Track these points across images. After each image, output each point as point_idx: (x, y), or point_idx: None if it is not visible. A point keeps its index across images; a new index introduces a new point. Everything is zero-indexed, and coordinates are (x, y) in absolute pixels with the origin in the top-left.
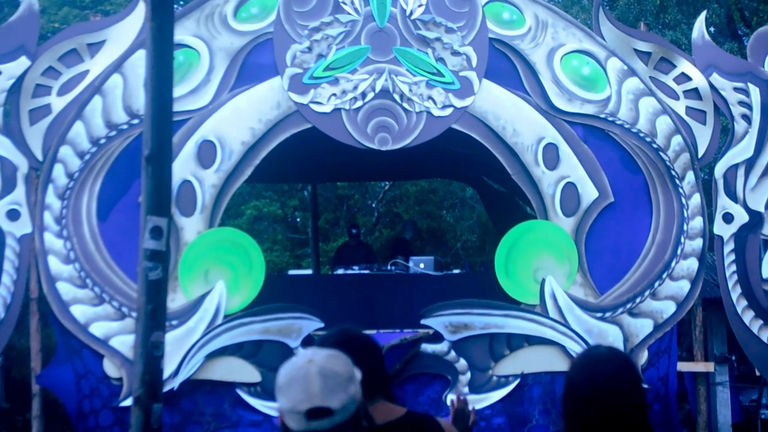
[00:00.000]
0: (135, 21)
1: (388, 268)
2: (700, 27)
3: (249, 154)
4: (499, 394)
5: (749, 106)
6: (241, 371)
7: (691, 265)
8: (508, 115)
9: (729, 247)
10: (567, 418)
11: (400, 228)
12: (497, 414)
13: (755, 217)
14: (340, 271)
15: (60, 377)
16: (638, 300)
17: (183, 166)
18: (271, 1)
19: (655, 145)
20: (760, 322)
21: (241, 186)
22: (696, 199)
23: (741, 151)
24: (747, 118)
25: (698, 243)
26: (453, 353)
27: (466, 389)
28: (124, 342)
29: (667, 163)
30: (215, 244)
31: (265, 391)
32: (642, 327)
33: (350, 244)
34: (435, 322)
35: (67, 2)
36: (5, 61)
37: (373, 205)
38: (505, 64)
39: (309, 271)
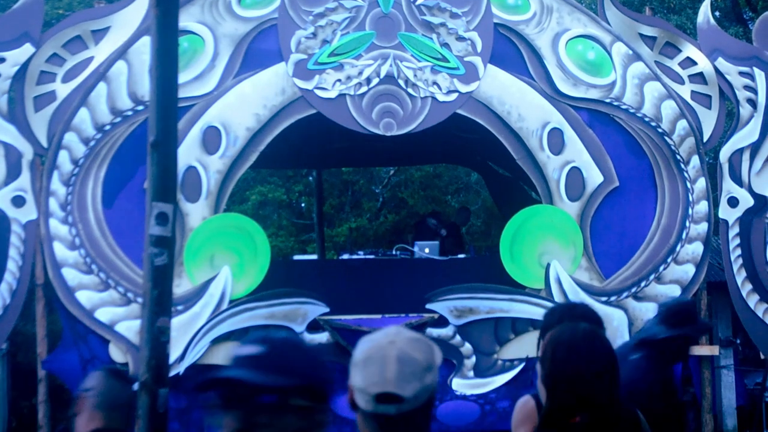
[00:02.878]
0: (139, 7)
1: (394, 252)
2: (705, 11)
3: (254, 139)
4: (504, 378)
5: (754, 91)
6: None
7: (696, 249)
8: (513, 100)
9: (734, 231)
10: (551, 395)
11: (455, 214)
12: (502, 398)
13: (760, 201)
14: (345, 256)
15: (66, 363)
16: (643, 284)
17: (188, 152)
18: None
19: (660, 130)
20: (765, 305)
21: (246, 172)
22: (701, 184)
23: (746, 135)
24: (752, 103)
25: (703, 227)
26: (458, 337)
27: (471, 373)
28: (130, 327)
29: (672, 147)
30: (220, 230)
31: None
32: (647, 311)
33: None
34: (440, 307)
35: None
36: (10, 48)
37: (378, 191)
38: (510, 49)
39: (314, 257)
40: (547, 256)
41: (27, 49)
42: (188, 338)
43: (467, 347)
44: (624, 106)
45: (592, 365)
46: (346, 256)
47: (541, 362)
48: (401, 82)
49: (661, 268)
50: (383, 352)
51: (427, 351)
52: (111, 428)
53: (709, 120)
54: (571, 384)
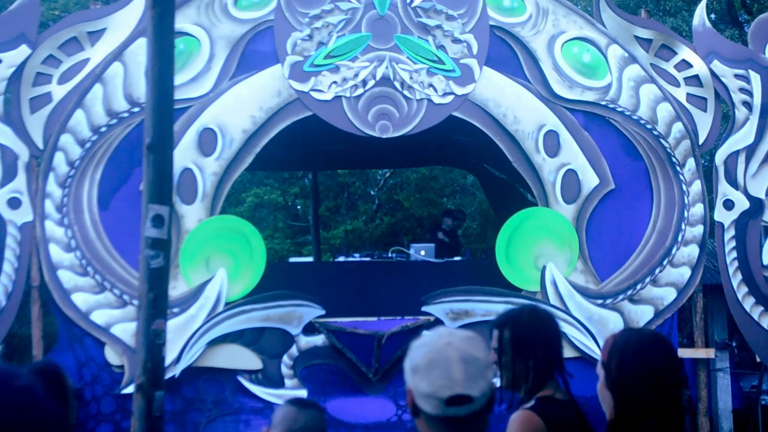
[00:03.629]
0: (135, 9)
1: (389, 255)
2: (700, 14)
3: (250, 141)
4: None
5: (750, 93)
6: (242, 358)
7: (692, 251)
8: (509, 102)
9: (730, 233)
10: (622, 400)
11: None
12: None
13: (756, 204)
14: (341, 259)
15: (61, 365)
16: (639, 287)
17: (184, 154)
18: None
19: (655, 132)
20: (761, 308)
21: (241, 174)
22: (697, 186)
23: (742, 137)
24: (748, 105)
25: (699, 230)
26: None
27: None
28: (126, 330)
29: (668, 150)
30: (216, 232)
31: (266, 378)
32: (643, 314)
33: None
34: (436, 309)
35: None
36: (6, 50)
37: (374, 193)
38: (505, 52)
39: (310, 259)
40: (543, 258)
41: (23, 50)
42: (184, 341)
43: None
44: (620, 109)
45: (664, 369)
46: (342, 259)
47: (607, 368)
48: (397, 84)
49: (657, 270)
50: (444, 355)
51: (484, 348)
52: None
53: (704, 122)
54: (643, 389)
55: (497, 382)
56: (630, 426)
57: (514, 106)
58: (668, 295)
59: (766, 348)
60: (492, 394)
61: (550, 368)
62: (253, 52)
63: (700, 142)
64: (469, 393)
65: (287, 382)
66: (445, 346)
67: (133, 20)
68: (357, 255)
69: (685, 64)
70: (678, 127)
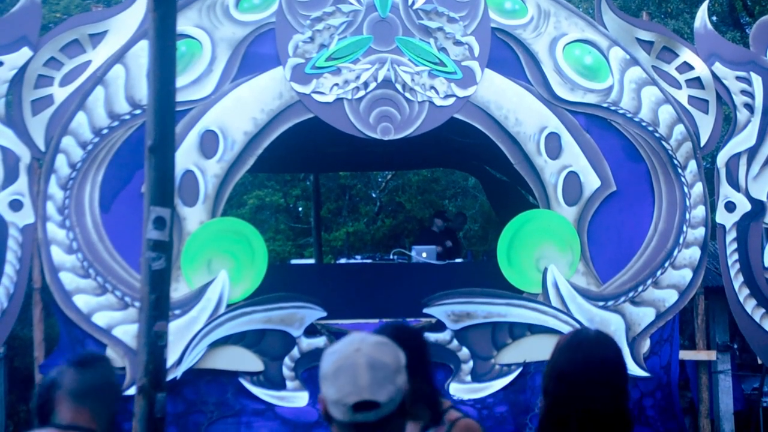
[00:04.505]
0: (137, 11)
1: (391, 257)
2: (702, 16)
3: (251, 144)
4: (502, 382)
5: (751, 95)
6: (243, 360)
7: (693, 253)
8: (511, 104)
9: (731, 235)
10: (552, 403)
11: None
12: (499, 403)
13: (757, 206)
14: (343, 261)
15: None
16: (640, 289)
17: (185, 156)
18: None
19: (657, 134)
20: (762, 310)
21: (243, 176)
22: (698, 188)
23: (743, 140)
24: (749, 107)
25: (700, 232)
26: (455, 342)
27: (468, 378)
28: (127, 331)
29: (670, 152)
30: (218, 234)
31: (268, 379)
32: (644, 316)
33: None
34: (437, 311)
35: None
36: (7, 52)
37: (375, 195)
38: (507, 54)
39: (311, 261)
40: (545, 260)
41: (24, 52)
42: (185, 342)
43: (464, 352)
44: (621, 111)
45: (591, 370)
46: (343, 261)
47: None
48: (399, 87)
49: (659, 272)
50: (352, 361)
51: (394, 353)
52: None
53: (706, 124)
54: (566, 387)
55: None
56: (554, 426)
57: (515, 108)
58: (670, 297)
59: (767, 350)
60: (403, 399)
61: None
62: (254, 55)
63: (702, 144)
64: (375, 399)
65: (289, 384)
66: (354, 353)
67: (134, 22)
68: (358, 257)
69: (687, 66)
70: (679, 129)
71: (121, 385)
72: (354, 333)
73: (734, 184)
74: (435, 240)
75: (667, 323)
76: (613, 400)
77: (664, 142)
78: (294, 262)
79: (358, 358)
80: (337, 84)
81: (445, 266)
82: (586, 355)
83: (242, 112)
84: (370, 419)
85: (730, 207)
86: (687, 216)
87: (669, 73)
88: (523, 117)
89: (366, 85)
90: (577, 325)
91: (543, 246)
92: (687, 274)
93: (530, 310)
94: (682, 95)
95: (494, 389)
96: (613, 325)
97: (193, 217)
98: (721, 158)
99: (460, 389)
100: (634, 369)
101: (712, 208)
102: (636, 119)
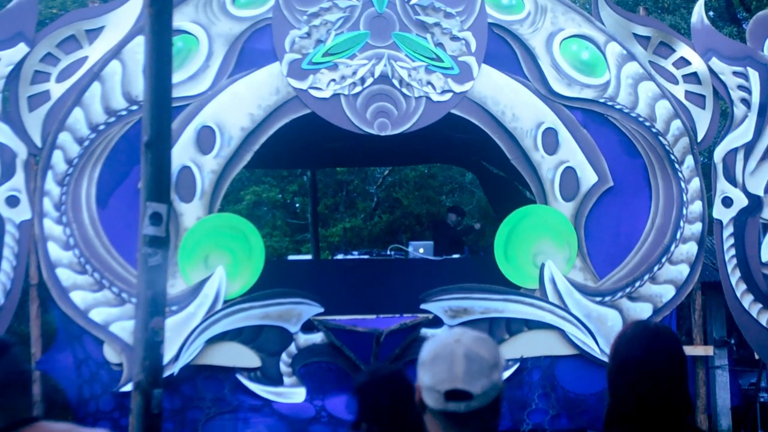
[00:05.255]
0: (133, 7)
1: (388, 253)
2: (699, 11)
3: (248, 139)
4: None
5: (748, 90)
6: (240, 356)
7: (691, 249)
8: (508, 100)
9: (728, 231)
10: (623, 392)
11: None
12: None
13: (754, 201)
14: (340, 257)
15: (60, 363)
16: (637, 284)
17: (182, 152)
18: None
19: (654, 130)
20: (759, 305)
21: (240, 171)
22: (695, 183)
23: (740, 135)
24: (746, 102)
25: (697, 227)
26: None
27: None
28: (124, 327)
29: (667, 147)
30: (215, 230)
31: (265, 375)
32: (641, 311)
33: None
34: (434, 307)
35: None
36: (4, 48)
37: (372, 191)
38: (504, 49)
39: (308, 257)
40: (542, 256)
41: (21, 48)
42: (183, 338)
43: None
44: (618, 106)
45: (656, 362)
46: (340, 257)
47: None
48: (395, 82)
49: (656, 268)
50: (450, 350)
51: (493, 349)
52: None
53: (703, 120)
54: (634, 381)
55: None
56: (623, 421)
57: (512, 103)
58: (667, 292)
59: (764, 345)
60: (498, 395)
61: None
62: (251, 50)
63: (699, 140)
64: (468, 389)
65: (286, 379)
66: (453, 343)
67: (131, 18)
68: (356, 253)
69: (684, 62)
70: (676, 124)
71: (30, 375)
72: (458, 327)
73: (731, 179)
74: (451, 233)
75: (665, 318)
76: (676, 388)
77: (661, 138)
78: (291, 258)
79: (456, 348)
80: (334, 79)
81: (442, 262)
82: (656, 346)
83: (239, 108)
84: (461, 410)
85: (727, 202)
86: (684, 211)
87: (666, 69)
88: (520, 112)
89: (363, 80)
90: (574, 321)
91: (540, 241)
92: (684, 270)
93: (527, 305)
94: (679, 90)
95: None
96: (610, 320)
97: (190, 212)
98: (718, 153)
99: None
100: None
101: (709, 204)
102: (633, 114)
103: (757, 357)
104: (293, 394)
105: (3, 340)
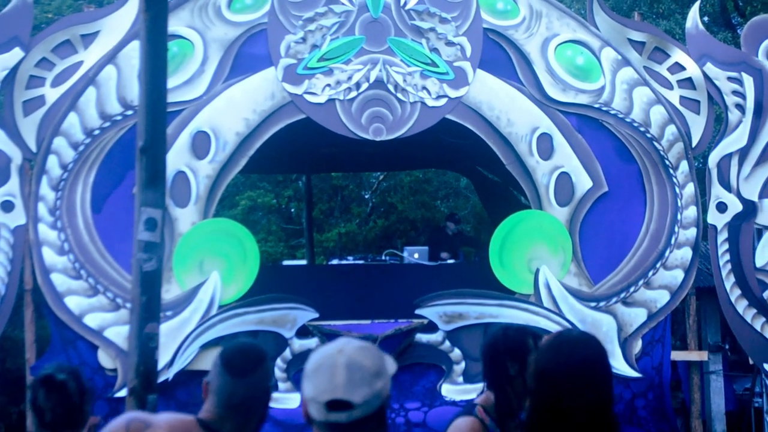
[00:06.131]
0: (129, 12)
1: (383, 258)
2: (693, 16)
3: (243, 144)
4: None
5: (743, 96)
6: None
7: (685, 254)
8: (503, 105)
9: (723, 236)
10: (535, 402)
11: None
12: None
13: (749, 207)
14: (335, 262)
15: None
16: (632, 289)
17: (177, 157)
18: None
19: (649, 135)
20: (754, 311)
21: (235, 176)
22: (690, 189)
23: (735, 140)
24: (741, 108)
25: (692, 232)
26: (447, 343)
27: (460, 379)
28: (119, 333)
29: (661, 152)
30: (210, 235)
31: None
32: (636, 316)
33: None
34: (429, 312)
35: None
36: None
37: (367, 196)
38: (499, 54)
39: (303, 262)
40: (537, 261)
41: (16, 53)
42: (177, 344)
43: (456, 353)
44: (613, 111)
45: (572, 370)
46: (335, 262)
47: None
48: (391, 87)
49: (650, 273)
50: (332, 361)
51: (376, 358)
52: None
53: (697, 125)
54: (547, 386)
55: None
56: (538, 425)
57: (507, 108)
58: (661, 297)
59: (758, 350)
60: (381, 404)
61: None
62: (246, 55)
63: (693, 145)
64: (349, 399)
65: (281, 385)
66: (336, 353)
67: (126, 23)
68: (350, 258)
69: (678, 67)
70: (671, 129)
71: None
72: (343, 338)
73: (726, 184)
74: (448, 241)
75: (659, 324)
76: (595, 401)
77: (655, 143)
78: (286, 263)
79: (338, 358)
80: (329, 84)
81: (437, 267)
82: (567, 355)
83: (234, 113)
84: (343, 420)
85: (722, 207)
86: (678, 216)
87: (660, 74)
88: (515, 117)
89: (358, 85)
90: (569, 326)
91: (535, 247)
92: (679, 275)
93: (522, 311)
94: (674, 96)
95: None
96: (605, 326)
97: (185, 218)
98: (713, 159)
99: (452, 390)
100: (625, 370)
101: (703, 209)
102: (628, 120)
103: (751, 362)
104: (288, 400)
105: None
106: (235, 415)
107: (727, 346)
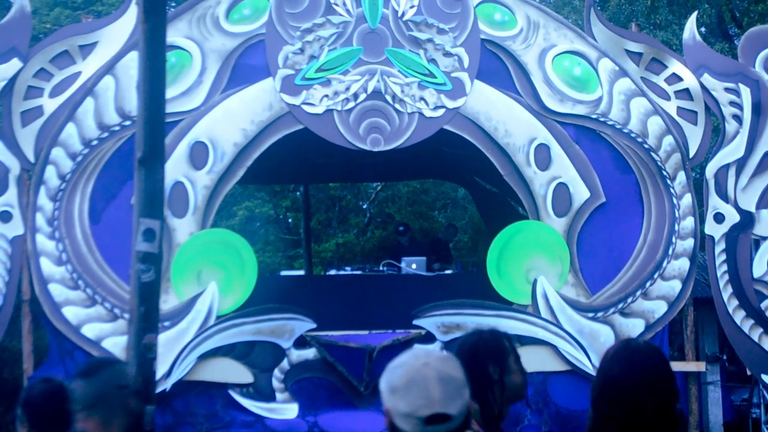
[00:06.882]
0: (127, 22)
1: (381, 268)
2: (691, 27)
3: (241, 155)
4: None
5: (740, 107)
6: (233, 372)
7: (683, 265)
8: (500, 115)
9: (720, 246)
10: (603, 410)
11: (443, 229)
12: None
13: (746, 217)
14: (333, 272)
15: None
16: (630, 300)
17: (175, 168)
18: (263, 2)
19: (646, 146)
20: (751, 321)
21: (233, 187)
22: (687, 199)
23: (732, 151)
24: (738, 119)
25: (689, 243)
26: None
27: None
28: (117, 343)
29: (659, 163)
30: (207, 246)
31: (257, 391)
32: (633, 327)
33: (402, 242)
34: (427, 323)
35: (59, 3)
36: None
37: (365, 206)
38: (496, 65)
39: (301, 272)
40: (534, 271)
41: (14, 64)
42: (175, 354)
43: None
44: (610, 122)
45: (640, 379)
46: (333, 272)
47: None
48: (388, 98)
49: (648, 284)
50: (422, 375)
51: (459, 367)
52: None
53: (695, 136)
54: (616, 396)
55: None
56: None
57: (505, 119)
58: (659, 308)
59: (756, 361)
60: (468, 412)
61: None
62: (244, 66)
63: (691, 156)
64: (447, 411)
65: (278, 395)
66: (423, 367)
67: (124, 34)
68: (348, 268)
69: (676, 78)
70: (668, 140)
71: (129, 387)
72: (416, 348)
73: (723, 195)
74: (405, 253)
75: (657, 334)
76: (661, 408)
77: (653, 154)
78: (284, 273)
79: (427, 371)
80: (326, 95)
81: (435, 278)
82: (636, 364)
83: (232, 124)
84: (441, 431)
85: (719, 218)
86: (676, 227)
87: (658, 85)
88: (512, 128)
89: (356, 96)
90: (567, 336)
91: (532, 257)
92: (676, 285)
93: (520, 321)
94: (671, 106)
95: None
96: (602, 336)
97: (183, 228)
98: (710, 169)
99: None
100: None
101: (701, 220)
102: (625, 130)
103: (749, 373)
104: (286, 410)
105: (101, 359)
106: (95, 414)
107: (724, 357)
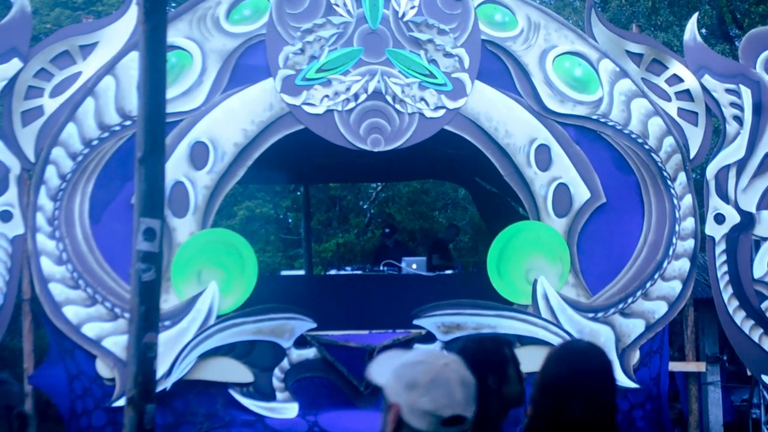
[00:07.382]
0: (127, 23)
1: (381, 268)
2: (691, 28)
3: (241, 155)
4: None
5: (741, 108)
6: (233, 371)
7: (683, 265)
8: (501, 116)
9: (720, 247)
10: (535, 408)
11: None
12: None
13: (746, 218)
14: (333, 272)
15: (52, 378)
16: (630, 300)
17: (176, 168)
18: (264, 2)
19: (647, 146)
20: (752, 322)
21: (233, 187)
22: (688, 200)
23: (732, 152)
24: (738, 120)
25: (690, 243)
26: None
27: None
28: (117, 342)
29: (659, 164)
30: (208, 245)
31: (258, 391)
32: (634, 327)
33: (387, 244)
34: (427, 323)
35: (59, 3)
36: None
37: (365, 206)
38: (497, 66)
39: (301, 272)
40: (535, 272)
41: (15, 63)
42: (175, 354)
43: None
44: (611, 123)
45: (575, 381)
46: (333, 272)
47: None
48: (389, 98)
49: (648, 284)
50: (445, 376)
51: (470, 372)
52: None
53: (695, 137)
54: (551, 397)
55: None
56: None
57: (505, 120)
58: (659, 308)
59: (757, 362)
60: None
61: None
62: (244, 66)
63: (691, 157)
64: (465, 414)
65: (278, 395)
66: (444, 367)
67: (125, 34)
68: (348, 268)
69: (677, 79)
70: (669, 141)
71: (16, 407)
72: (430, 347)
73: (723, 196)
74: (389, 254)
75: (657, 335)
76: (597, 412)
77: (653, 154)
78: (284, 273)
79: (448, 372)
80: (327, 95)
81: (435, 278)
82: (572, 366)
83: (232, 124)
84: None
85: (720, 219)
86: (676, 228)
87: (658, 86)
88: (513, 129)
89: (356, 96)
90: (567, 337)
91: (533, 257)
92: (677, 286)
93: (520, 321)
94: (672, 107)
95: None
96: (602, 336)
97: (184, 228)
98: (711, 170)
99: None
100: (623, 380)
101: (701, 220)
102: (626, 131)
103: (749, 373)
104: (286, 410)
105: None
106: None
107: (725, 357)
